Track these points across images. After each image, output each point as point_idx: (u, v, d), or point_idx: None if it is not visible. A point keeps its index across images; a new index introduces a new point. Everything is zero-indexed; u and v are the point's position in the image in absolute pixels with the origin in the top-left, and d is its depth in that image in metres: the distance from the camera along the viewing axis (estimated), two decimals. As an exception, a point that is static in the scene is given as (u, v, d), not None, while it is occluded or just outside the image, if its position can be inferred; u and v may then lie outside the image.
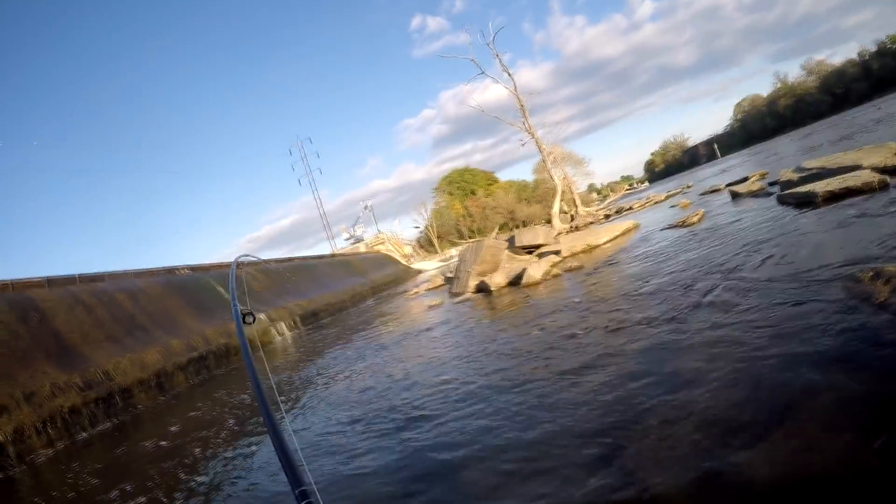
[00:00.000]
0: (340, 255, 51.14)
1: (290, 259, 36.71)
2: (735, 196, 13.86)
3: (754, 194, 13.14)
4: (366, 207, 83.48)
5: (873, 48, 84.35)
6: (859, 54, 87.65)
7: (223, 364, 17.73)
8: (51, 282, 17.00)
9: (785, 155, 25.85)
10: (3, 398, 11.42)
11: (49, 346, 14.07)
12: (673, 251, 8.89)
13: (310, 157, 79.24)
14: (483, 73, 28.41)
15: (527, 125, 28.41)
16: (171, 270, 23.73)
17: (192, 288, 22.76)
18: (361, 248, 66.98)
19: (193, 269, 25.44)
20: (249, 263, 30.89)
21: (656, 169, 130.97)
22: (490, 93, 38.19)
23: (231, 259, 29.47)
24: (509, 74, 28.27)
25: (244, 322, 3.09)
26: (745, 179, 17.49)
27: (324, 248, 69.99)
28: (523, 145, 29.18)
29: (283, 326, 22.57)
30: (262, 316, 22.17)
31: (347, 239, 75.30)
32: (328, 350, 12.73)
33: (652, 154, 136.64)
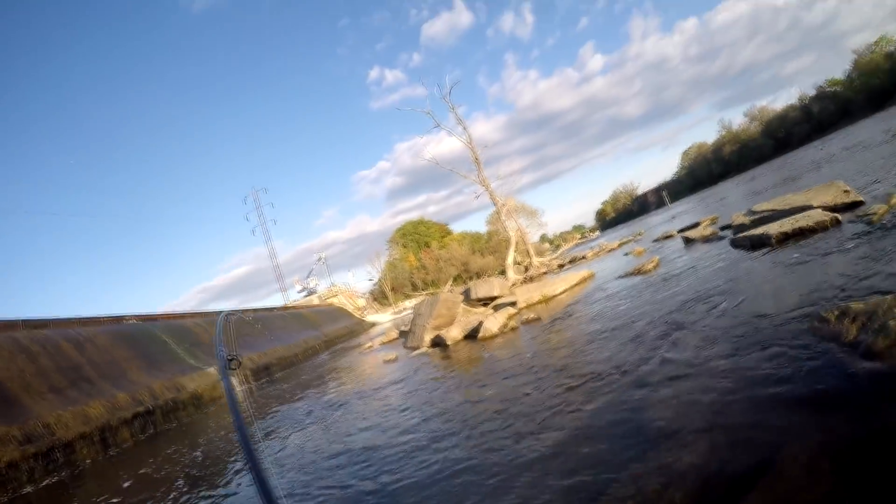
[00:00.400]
0: (293, 307, 50.26)
1: (241, 311, 35.14)
2: (688, 242, 14.03)
3: (707, 239, 13.32)
4: (319, 259, 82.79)
5: (812, 92, 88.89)
6: (799, 99, 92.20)
7: (170, 419, 16.89)
8: None
9: (732, 199, 26.65)
10: None
11: None
12: (630, 301, 8.81)
13: (264, 208, 78.46)
14: (439, 126, 28.79)
15: (481, 177, 28.71)
16: (118, 319, 22.96)
17: (140, 339, 21.86)
18: (315, 300, 66.05)
19: (142, 318, 24.64)
20: (198, 314, 29.95)
21: (607, 218, 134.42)
22: (445, 145, 38.93)
23: (178, 309, 28.44)
24: (464, 127, 28.70)
25: (229, 368, 2.97)
26: (696, 225, 17.81)
27: (276, 300, 68.75)
28: (477, 198, 29.42)
29: (233, 381, 21.34)
30: (211, 370, 21.37)
31: (300, 291, 74.27)
32: (280, 408, 12.22)
33: (603, 203, 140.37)
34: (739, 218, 11.67)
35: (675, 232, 19.39)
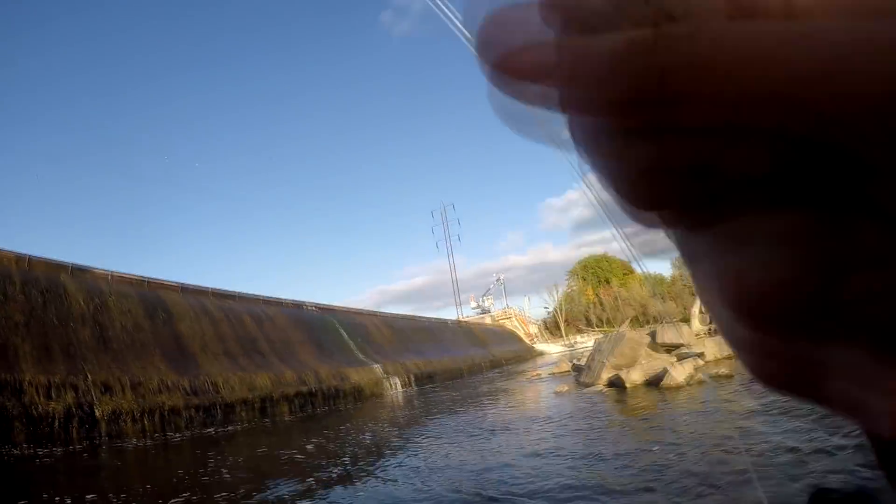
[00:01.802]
0: (465, 323, 50.96)
1: (415, 317, 37.15)
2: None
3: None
4: (498, 280, 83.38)
5: None
6: None
7: (329, 404, 17.82)
8: (184, 289, 18.33)
9: None
10: (110, 379, 12.19)
11: (167, 346, 14.97)
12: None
13: (450, 224, 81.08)
14: None
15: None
16: (299, 305, 24.68)
17: (316, 326, 23.42)
18: (487, 319, 66.43)
19: (321, 308, 26.22)
20: (375, 314, 31.49)
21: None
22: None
23: (357, 305, 29.66)
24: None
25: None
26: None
27: (450, 314, 70.17)
28: (667, 236, 27.98)
29: (396, 381, 22.55)
30: (377, 367, 22.39)
31: (474, 308, 75.08)
32: (436, 415, 12.32)
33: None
34: None
35: None
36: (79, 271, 14.79)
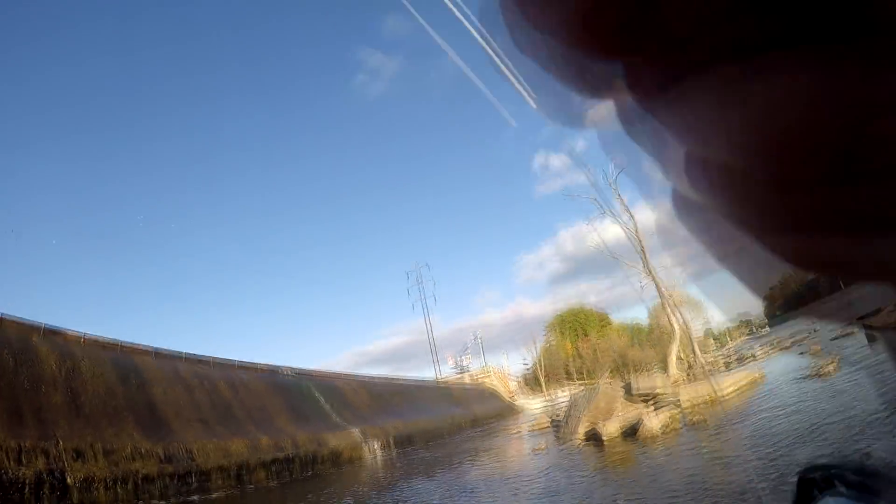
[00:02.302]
0: (444, 383, 50.66)
1: (393, 379, 36.89)
2: (871, 335, 12.50)
3: (894, 327, 11.73)
4: (475, 337, 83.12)
5: None
6: None
7: (307, 470, 17.48)
8: (158, 354, 18.12)
9: None
10: (83, 445, 11.93)
11: (141, 411, 14.72)
12: (809, 409, 7.92)
13: (426, 284, 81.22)
14: (605, 212, 28.44)
15: (647, 267, 27.75)
16: (275, 370, 24.47)
17: (292, 391, 23.23)
18: (466, 378, 66.04)
19: (297, 373, 26.03)
20: (351, 377, 31.22)
21: (777, 311, 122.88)
22: (609, 232, 38.15)
23: (333, 368, 29.41)
24: (630, 214, 28.07)
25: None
26: (878, 311, 15.81)
27: (428, 373, 69.53)
28: (642, 288, 28.38)
29: (375, 445, 22.19)
30: (355, 431, 22.11)
31: (453, 368, 74.64)
32: (415, 478, 12.21)
33: (770, 288, 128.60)
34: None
35: (854, 325, 17.28)
36: (51, 333, 14.66)
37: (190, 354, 19.66)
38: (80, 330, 15.93)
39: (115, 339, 16.81)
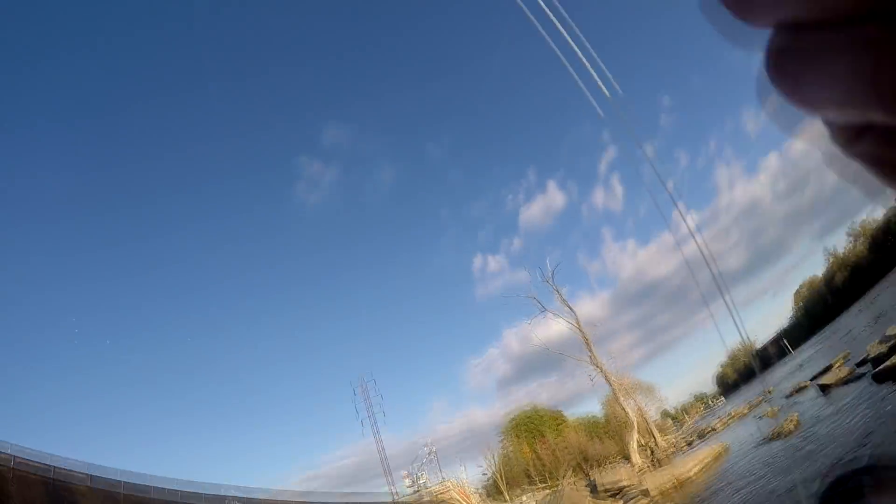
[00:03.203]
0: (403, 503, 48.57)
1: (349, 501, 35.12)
2: (825, 389, 12.61)
3: (845, 381, 11.86)
4: (429, 452, 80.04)
5: None
6: None
7: None
8: (94, 479, 16.39)
9: (858, 329, 24.22)
10: None
11: None
12: (775, 476, 7.61)
13: (373, 400, 78.56)
14: (545, 310, 28.79)
15: (593, 358, 27.78)
16: (221, 499, 22.71)
17: None
18: (425, 496, 62.94)
19: (245, 501, 24.27)
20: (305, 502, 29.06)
21: (729, 380, 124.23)
22: (553, 329, 38.56)
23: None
24: (570, 308, 28.47)
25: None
26: (828, 368, 16.11)
27: (384, 494, 65.62)
28: (592, 381, 28.32)
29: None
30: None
31: (410, 486, 71.21)
32: None
33: (721, 366, 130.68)
34: (875, 348, 10.34)
35: (807, 382, 17.64)
36: None
37: (127, 478, 17.84)
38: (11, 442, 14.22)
39: (48, 464, 14.95)
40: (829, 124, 0.19)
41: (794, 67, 0.17)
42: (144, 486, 18.62)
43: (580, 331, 28.45)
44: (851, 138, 0.18)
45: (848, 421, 7.61)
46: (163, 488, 19.46)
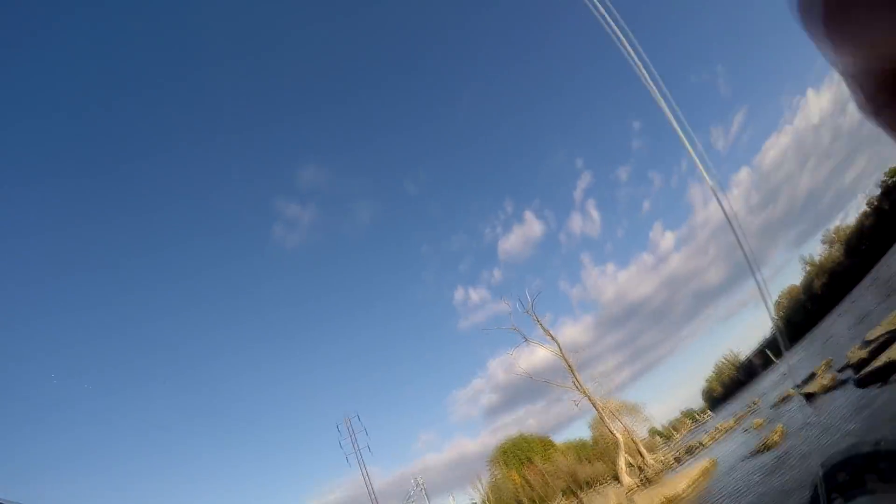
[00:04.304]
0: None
1: None
2: (809, 398, 12.41)
3: (828, 389, 11.68)
4: (417, 484, 78.93)
5: (878, 191, 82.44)
6: (867, 203, 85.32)
7: None
8: None
9: (839, 335, 24.20)
10: None
11: None
12: (764, 489, 7.31)
13: (358, 435, 77.20)
14: (526, 340, 28.64)
15: (577, 383, 27.56)
16: None
17: None
18: (420, 533, 61.37)
19: None
20: None
21: (715, 394, 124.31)
22: (537, 356, 38.44)
23: None
24: (552, 337, 28.31)
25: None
26: (812, 376, 16.00)
27: (373, 529, 64.29)
28: (577, 405, 28.01)
29: None
30: None
31: (399, 521, 69.74)
32: None
33: (707, 380, 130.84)
34: (856, 353, 10.18)
35: (791, 390, 17.58)
36: None
37: None
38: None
39: None
40: (861, 83, 0.16)
41: None
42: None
43: (563, 358, 28.29)
44: (882, 104, 0.17)
45: (834, 427, 7.36)
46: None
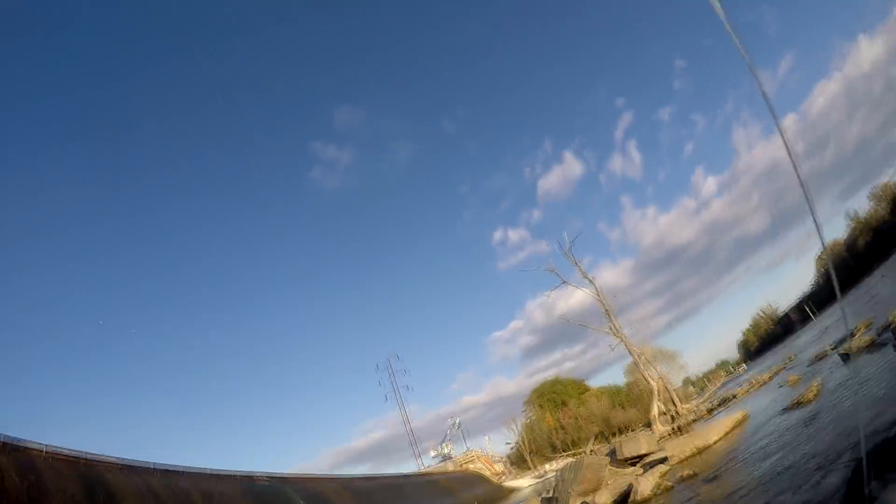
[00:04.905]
0: (427, 473, 49.14)
1: (374, 477, 35.62)
2: (846, 358, 12.45)
3: (867, 349, 11.68)
4: (454, 424, 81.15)
5: None
6: None
7: None
8: (128, 468, 16.69)
9: (883, 295, 23.78)
10: None
11: None
12: (797, 444, 7.46)
13: (398, 374, 79.54)
14: (564, 282, 28.72)
15: (614, 328, 27.64)
16: (250, 477, 23.13)
17: (271, 498, 21.86)
18: (450, 466, 63.85)
19: (274, 478, 24.64)
20: (334, 478, 29.70)
21: (752, 347, 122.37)
22: (575, 298, 38.41)
23: (312, 470, 29.22)
24: (590, 280, 28.30)
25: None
26: (850, 335, 15.88)
27: (411, 466, 67.18)
28: (613, 350, 28.17)
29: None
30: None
31: (435, 457, 72.40)
32: None
33: (744, 332, 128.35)
34: (898, 315, 10.18)
35: (828, 349, 17.63)
36: (12, 447, 13.07)
37: (161, 466, 18.25)
38: (43, 442, 14.25)
39: (78, 453, 15.15)
40: None
41: None
42: (177, 467, 19.02)
43: (601, 301, 28.41)
44: None
45: (870, 389, 7.48)
46: (194, 468, 19.94)
